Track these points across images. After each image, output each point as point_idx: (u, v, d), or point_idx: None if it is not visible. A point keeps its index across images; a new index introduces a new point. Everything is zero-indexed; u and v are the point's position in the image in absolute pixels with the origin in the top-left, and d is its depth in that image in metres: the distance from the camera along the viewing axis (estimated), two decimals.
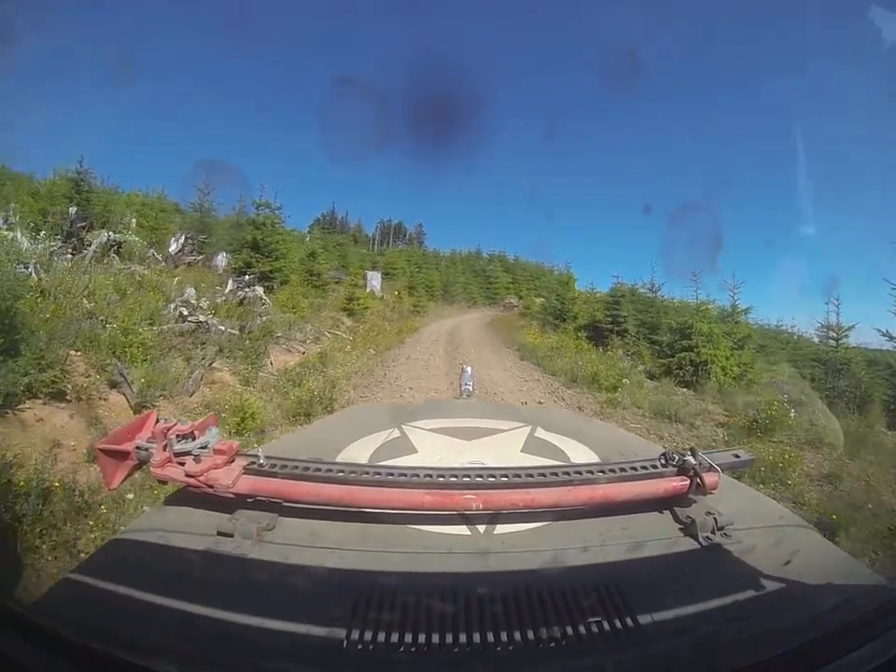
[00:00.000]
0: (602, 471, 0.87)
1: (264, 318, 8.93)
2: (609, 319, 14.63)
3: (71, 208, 9.67)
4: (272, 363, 7.69)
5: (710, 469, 0.88)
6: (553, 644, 0.61)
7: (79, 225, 9.08)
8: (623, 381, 8.98)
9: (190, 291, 8.01)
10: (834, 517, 3.73)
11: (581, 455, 1.18)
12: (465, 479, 0.81)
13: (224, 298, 9.31)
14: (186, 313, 7.08)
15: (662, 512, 0.89)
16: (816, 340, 12.50)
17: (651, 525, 0.86)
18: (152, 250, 10.22)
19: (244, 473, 0.84)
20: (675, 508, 0.88)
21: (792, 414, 6.58)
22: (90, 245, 8.10)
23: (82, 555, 2.58)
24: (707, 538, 0.80)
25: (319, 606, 0.67)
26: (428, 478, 0.82)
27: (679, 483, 0.87)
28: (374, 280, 22.03)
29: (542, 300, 24.20)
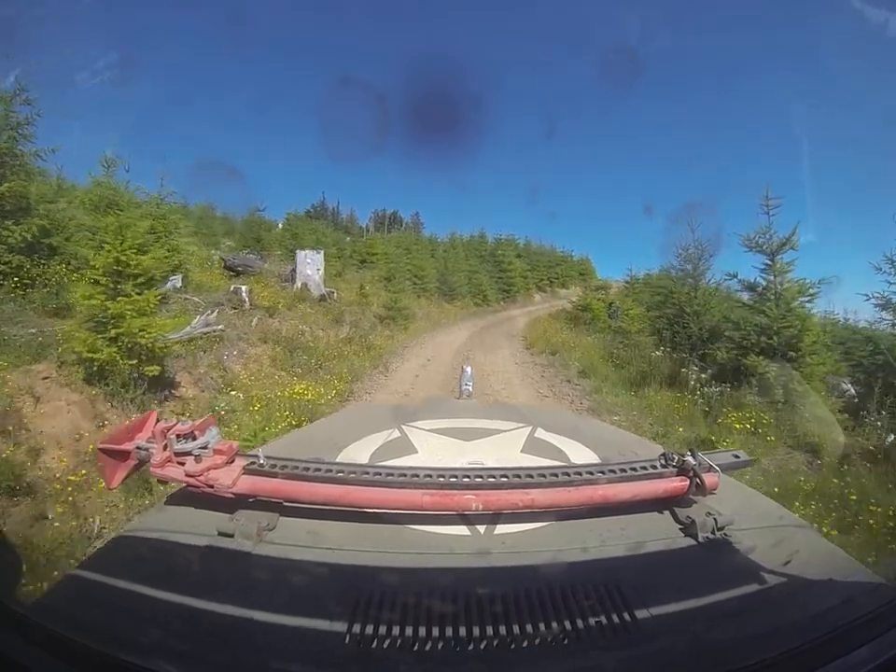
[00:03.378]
0: (602, 472, 0.87)
1: None
2: None
3: None
4: None
5: (710, 469, 0.88)
6: (553, 644, 0.61)
7: None
8: None
9: None
10: None
11: (580, 455, 1.18)
12: (465, 479, 0.82)
13: None
14: None
15: (662, 513, 0.89)
16: None
17: (651, 525, 0.86)
18: None
19: (244, 473, 0.84)
20: (675, 508, 0.88)
21: None
22: None
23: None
24: (707, 538, 0.80)
25: (319, 606, 0.67)
26: (428, 478, 0.82)
27: (678, 483, 0.87)
28: (310, 265, 12.31)
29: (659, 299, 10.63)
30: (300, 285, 12.21)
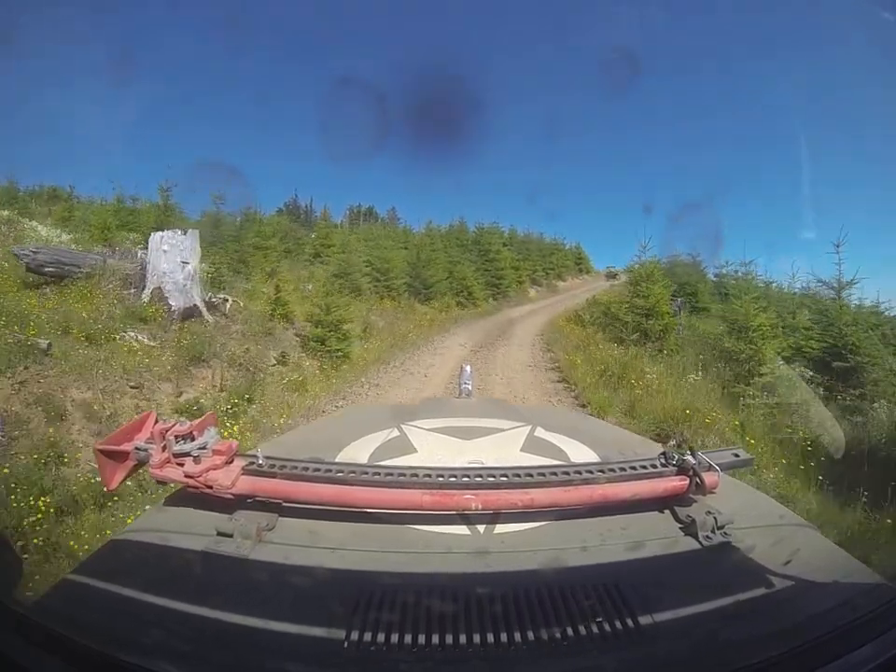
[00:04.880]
0: (602, 471, 0.87)
1: None
2: None
3: None
4: None
5: (710, 468, 0.88)
6: (552, 644, 0.61)
7: None
8: None
9: None
10: None
11: (580, 454, 1.18)
12: (464, 479, 0.81)
13: None
14: None
15: (661, 512, 0.89)
16: None
17: (651, 524, 0.86)
18: None
19: (243, 473, 0.84)
20: (675, 507, 0.88)
21: None
22: None
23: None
24: (707, 537, 0.80)
25: (319, 606, 0.67)
26: (428, 478, 0.82)
27: (678, 482, 0.87)
28: (168, 256, 7.17)
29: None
30: (150, 291, 7.16)
